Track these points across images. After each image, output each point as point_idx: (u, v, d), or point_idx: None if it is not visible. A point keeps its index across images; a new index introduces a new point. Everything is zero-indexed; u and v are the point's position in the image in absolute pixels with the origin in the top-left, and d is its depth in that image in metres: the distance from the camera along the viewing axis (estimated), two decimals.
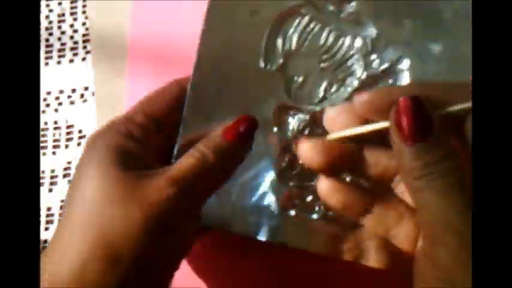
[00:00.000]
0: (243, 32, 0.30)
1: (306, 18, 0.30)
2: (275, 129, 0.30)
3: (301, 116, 0.30)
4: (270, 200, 0.29)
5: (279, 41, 0.30)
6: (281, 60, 0.30)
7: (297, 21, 0.30)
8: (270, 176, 0.30)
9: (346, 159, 0.26)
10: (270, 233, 0.29)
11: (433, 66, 0.29)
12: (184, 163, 0.27)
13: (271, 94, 0.30)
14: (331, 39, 0.30)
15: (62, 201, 0.37)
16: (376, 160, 0.26)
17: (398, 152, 0.24)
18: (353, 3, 0.30)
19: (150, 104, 0.30)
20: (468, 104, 0.23)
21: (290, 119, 0.30)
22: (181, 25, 0.36)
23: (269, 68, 0.30)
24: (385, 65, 0.29)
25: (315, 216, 0.29)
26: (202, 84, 0.30)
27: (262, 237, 0.29)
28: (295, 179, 0.30)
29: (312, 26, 0.30)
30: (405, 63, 0.29)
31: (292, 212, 0.29)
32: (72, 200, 0.26)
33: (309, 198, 0.29)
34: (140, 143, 0.28)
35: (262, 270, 0.33)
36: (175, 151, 0.30)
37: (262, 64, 0.30)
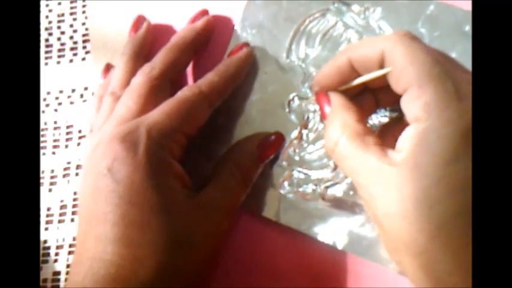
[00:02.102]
0: (275, 28, 0.35)
1: (331, 22, 0.34)
2: (288, 114, 0.33)
3: (310, 106, 0.33)
4: (270, 177, 0.33)
5: (303, 40, 0.34)
6: (303, 56, 0.34)
7: (321, 23, 0.34)
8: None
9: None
10: (270, 211, 0.32)
11: None
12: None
13: (290, 84, 0.34)
14: (351, 40, 0.34)
15: (62, 201, 0.37)
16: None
17: None
18: (378, 13, 0.33)
19: (188, 122, 0.30)
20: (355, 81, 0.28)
21: (300, 107, 0.33)
22: (181, 25, 0.36)
23: (292, 61, 0.34)
24: None
25: (310, 202, 0.32)
26: None
27: (264, 213, 0.32)
28: (297, 163, 0.33)
29: (335, 28, 0.34)
30: None
31: (290, 195, 0.32)
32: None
33: (306, 185, 0.32)
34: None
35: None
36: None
37: (286, 58, 0.34)
